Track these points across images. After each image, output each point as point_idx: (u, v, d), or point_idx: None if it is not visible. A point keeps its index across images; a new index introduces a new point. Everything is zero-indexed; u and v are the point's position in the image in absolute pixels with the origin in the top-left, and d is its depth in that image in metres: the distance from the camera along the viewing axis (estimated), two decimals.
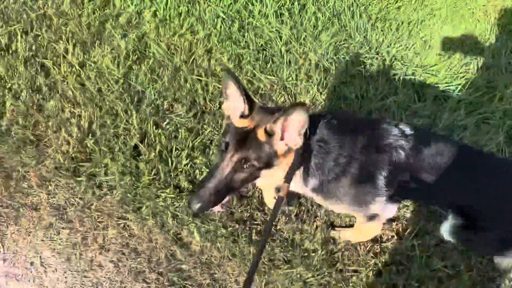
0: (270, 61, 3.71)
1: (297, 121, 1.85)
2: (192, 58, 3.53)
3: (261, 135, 1.90)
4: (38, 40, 3.33)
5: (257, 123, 1.93)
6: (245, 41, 3.82)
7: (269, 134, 1.90)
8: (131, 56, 3.38)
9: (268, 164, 1.94)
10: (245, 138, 1.92)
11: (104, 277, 2.37)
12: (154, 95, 3.16)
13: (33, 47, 3.26)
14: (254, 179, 2.00)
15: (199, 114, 3.13)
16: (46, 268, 2.37)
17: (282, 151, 1.95)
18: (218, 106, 3.24)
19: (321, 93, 3.50)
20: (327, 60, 3.80)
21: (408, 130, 2.13)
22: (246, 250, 2.50)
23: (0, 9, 3.47)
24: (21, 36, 3.28)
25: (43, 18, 3.49)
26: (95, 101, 3.02)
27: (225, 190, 1.92)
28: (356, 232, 2.60)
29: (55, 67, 3.17)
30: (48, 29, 3.41)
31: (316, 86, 3.51)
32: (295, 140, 1.93)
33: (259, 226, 2.61)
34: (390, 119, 2.20)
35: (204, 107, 3.24)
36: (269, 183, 2.16)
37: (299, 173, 2.12)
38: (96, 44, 3.41)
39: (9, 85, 2.99)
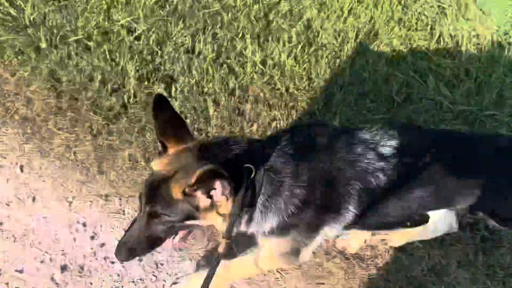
0: (442, 41, 3.40)
1: (218, 189, 1.52)
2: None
3: (176, 193, 1.54)
4: (216, 38, 3.25)
5: (176, 169, 1.56)
6: (409, 21, 3.52)
7: (187, 195, 1.53)
8: (306, 50, 3.21)
9: (189, 218, 1.60)
10: (157, 188, 1.57)
11: (337, 284, 2.38)
12: (341, 91, 3.01)
13: (215, 47, 3.17)
14: (180, 230, 1.70)
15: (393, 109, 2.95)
16: (282, 274, 2.42)
17: (205, 206, 1.58)
18: None
19: (505, 75, 3.17)
20: (503, 37, 3.42)
21: (388, 151, 1.76)
22: (473, 258, 2.40)
23: (174, 8, 3.39)
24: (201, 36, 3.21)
25: (214, 14, 3.38)
26: (286, 101, 2.93)
27: (148, 241, 1.65)
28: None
29: (239, 66, 3.08)
30: (222, 26, 3.31)
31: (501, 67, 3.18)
32: (219, 198, 1.57)
33: (481, 233, 2.46)
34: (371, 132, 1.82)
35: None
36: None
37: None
38: (270, 38, 3.27)
39: (206, 89, 2.96)
